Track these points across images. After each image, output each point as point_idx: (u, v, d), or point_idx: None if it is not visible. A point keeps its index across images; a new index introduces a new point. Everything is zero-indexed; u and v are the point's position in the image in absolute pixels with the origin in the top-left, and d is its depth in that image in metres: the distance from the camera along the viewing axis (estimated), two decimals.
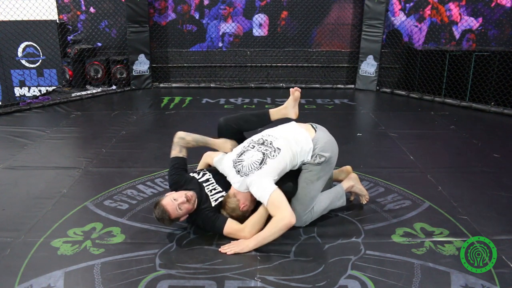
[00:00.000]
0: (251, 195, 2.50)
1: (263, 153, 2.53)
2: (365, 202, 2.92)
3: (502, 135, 4.57)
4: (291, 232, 2.58)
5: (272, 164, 2.50)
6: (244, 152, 2.60)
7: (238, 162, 2.56)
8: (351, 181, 2.90)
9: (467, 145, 4.21)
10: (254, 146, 2.61)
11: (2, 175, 3.42)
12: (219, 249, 2.41)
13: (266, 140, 2.63)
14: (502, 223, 2.72)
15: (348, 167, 3.02)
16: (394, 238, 2.54)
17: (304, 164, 2.64)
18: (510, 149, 4.07)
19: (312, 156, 2.60)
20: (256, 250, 2.39)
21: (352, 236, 2.56)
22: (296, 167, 2.65)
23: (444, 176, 3.40)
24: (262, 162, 2.50)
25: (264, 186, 2.41)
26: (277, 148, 2.56)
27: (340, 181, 2.98)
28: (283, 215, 2.33)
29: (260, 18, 6.75)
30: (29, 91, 6.19)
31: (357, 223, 2.71)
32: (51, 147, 4.07)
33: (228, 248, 2.40)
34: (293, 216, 2.34)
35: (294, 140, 2.61)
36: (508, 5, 6.38)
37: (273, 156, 2.52)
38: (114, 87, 6.48)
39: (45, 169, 3.53)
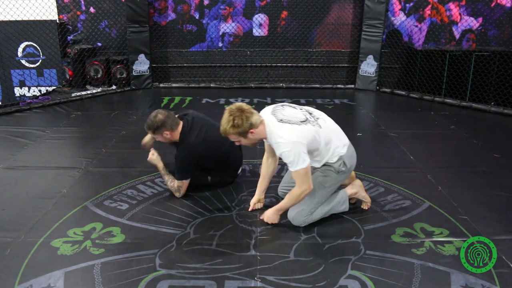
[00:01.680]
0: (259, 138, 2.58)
1: (307, 118, 2.57)
2: (366, 208, 2.91)
3: (502, 135, 4.57)
4: (291, 232, 2.58)
5: (309, 128, 2.52)
6: (286, 107, 2.64)
7: (278, 109, 2.59)
8: (355, 188, 2.89)
9: (467, 145, 4.21)
10: (302, 109, 2.66)
11: (2, 175, 3.42)
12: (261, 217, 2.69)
13: (313, 113, 2.68)
14: (502, 223, 2.72)
15: (352, 172, 3.01)
16: (394, 238, 2.54)
17: (324, 165, 2.68)
18: (510, 149, 4.07)
19: (337, 161, 2.65)
20: (256, 250, 2.40)
21: (352, 236, 2.56)
22: (321, 163, 2.68)
23: (444, 176, 3.40)
24: (303, 122, 2.53)
25: (301, 157, 2.44)
26: (319, 125, 2.60)
27: (342, 185, 2.97)
28: (308, 186, 2.50)
29: (260, 18, 6.74)
30: (29, 91, 6.19)
31: (357, 223, 2.71)
32: (51, 147, 4.07)
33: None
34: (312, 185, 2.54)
35: (336, 134, 2.68)
36: (508, 5, 6.38)
37: (313, 125, 2.56)
38: (114, 87, 6.47)
39: (45, 169, 3.53)
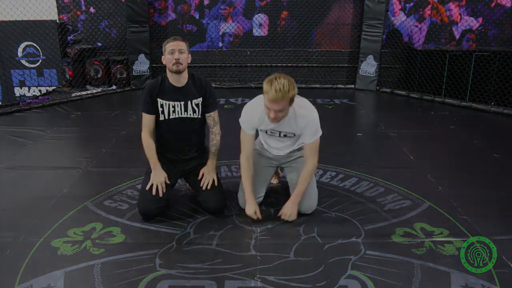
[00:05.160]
0: None
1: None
2: (275, 182, 3.17)
3: (502, 135, 4.56)
4: (291, 232, 2.58)
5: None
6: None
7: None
8: None
9: (467, 145, 4.21)
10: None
11: (2, 175, 3.42)
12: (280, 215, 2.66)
13: None
14: (502, 223, 2.71)
15: None
16: (394, 238, 2.54)
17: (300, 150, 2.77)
18: (510, 149, 4.07)
19: None
20: (256, 250, 2.40)
21: (352, 236, 2.56)
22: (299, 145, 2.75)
23: (444, 176, 3.40)
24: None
25: (318, 127, 2.53)
26: None
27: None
28: (316, 161, 2.59)
29: (260, 18, 6.75)
30: (29, 91, 6.19)
31: (357, 223, 2.71)
32: (51, 147, 4.07)
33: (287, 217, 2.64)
34: None
35: None
36: (508, 5, 6.38)
37: None
38: (114, 87, 6.48)
39: (45, 169, 3.53)
